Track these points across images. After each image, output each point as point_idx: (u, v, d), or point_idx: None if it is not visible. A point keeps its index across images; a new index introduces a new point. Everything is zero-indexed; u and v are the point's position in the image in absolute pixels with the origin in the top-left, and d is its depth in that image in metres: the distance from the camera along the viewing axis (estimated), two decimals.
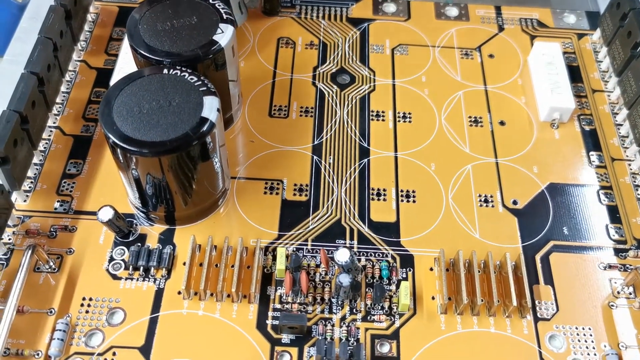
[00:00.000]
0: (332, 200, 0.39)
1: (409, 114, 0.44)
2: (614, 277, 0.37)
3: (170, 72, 0.35)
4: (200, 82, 0.35)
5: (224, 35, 0.38)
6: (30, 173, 0.39)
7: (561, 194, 0.40)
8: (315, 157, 0.41)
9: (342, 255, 0.34)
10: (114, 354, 0.33)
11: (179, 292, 0.35)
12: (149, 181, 0.35)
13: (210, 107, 0.34)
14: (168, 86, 0.35)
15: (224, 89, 0.40)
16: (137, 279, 0.36)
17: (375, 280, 0.36)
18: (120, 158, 0.34)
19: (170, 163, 0.34)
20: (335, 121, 0.43)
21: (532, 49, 0.47)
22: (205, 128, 0.33)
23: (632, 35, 0.44)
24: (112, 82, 0.42)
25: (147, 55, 0.36)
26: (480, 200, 0.40)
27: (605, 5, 0.49)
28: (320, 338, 0.34)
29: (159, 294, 0.35)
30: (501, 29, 0.50)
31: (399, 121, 0.44)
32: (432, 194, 0.40)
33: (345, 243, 0.37)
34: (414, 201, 0.40)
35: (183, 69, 0.35)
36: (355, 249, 0.37)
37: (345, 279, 0.34)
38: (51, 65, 0.41)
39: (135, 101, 0.34)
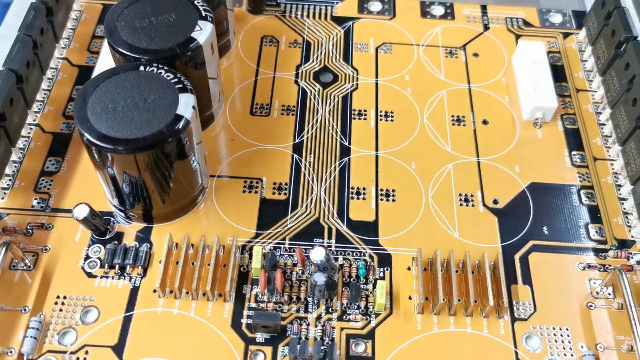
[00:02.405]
0: (312, 199, 0.39)
1: (391, 112, 0.44)
2: (593, 277, 0.37)
3: (146, 69, 0.35)
4: (176, 80, 0.35)
5: (203, 33, 0.37)
6: (8, 170, 0.39)
7: (542, 194, 0.40)
8: (295, 155, 0.41)
9: (317, 254, 0.34)
10: (86, 352, 0.33)
11: (154, 291, 0.35)
12: (125, 179, 0.35)
13: (186, 104, 0.34)
14: (144, 83, 0.35)
15: (203, 87, 0.40)
16: (113, 277, 0.35)
17: (352, 280, 0.36)
18: (95, 156, 0.34)
19: (145, 161, 0.33)
20: (317, 120, 0.43)
21: (516, 48, 0.47)
22: (180, 125, 0.33)
23: (616, 34, 0.43)
24: None
25: (124, 52, 0.36)
26: (461, 200, 0.40)
27: (591, 4, 0.49)
28: (294, 337, 0.34)
29: (134, 292, 0.35)
30: (486, 28, 0.50)
31: (380, 120, 0.43)
32: (412, 193, 0.40)
33: (323, 242, 0.37)
34: (393, 200, 0.39)
35: (160, 66, 0.35)
36: (333, 248, 0.37)
37: (320, 278, 0.33)
38: (30, 63, 0.40)
39: (110, 98, 0.34)
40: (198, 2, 0.39)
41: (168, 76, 0.35)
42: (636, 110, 0.39)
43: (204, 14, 0.38)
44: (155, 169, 0.34)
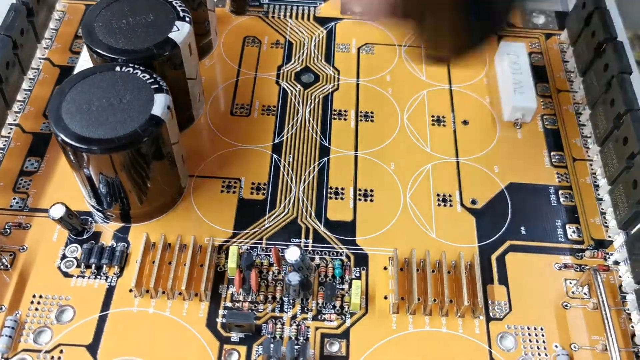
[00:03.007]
0: (290, 199, 0.39)
1: (372, 113, 0.44)
2: (570, 277, 0.37)
3: (122, 70, 0.35)
4: (152, 80, 0.35)
5: (180, 33, 0.37)
6: None
7: (521, 194, 0.40)
8: (274, 155, 0.41)
9: (292, 254, 0.34)
10: (61, 351, 0.33)
11: (130, 290, 0.35)
12: (102, 179, 0.35)
13: (161, 104, 0.34)
14: (120, 84, 0.35)
15: (182, 87, 0.40)
16: (89, 277, 0.36)
17: (328, 279, 0.36)
18: (70, 156, 0.34)
19: (121, 161, 0.33)
20: (297, 120, 0.43)
21: (498, 48, 0.47)
22: (154, 126, 0.33)
23: (596, 35, 0.43)
24: None
25: (102, 52, 0.36)
26: (439, 200, 0.40)
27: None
28: (268, 337, 0.34)
29: (110, 291, 0.35)
30: None
31: (361, 120, 0.43)
32: (391, 193, 0.40)
33: (300, 242, 0.37)
34: (371, 200, 0.39)
35: (136, 66, 0.35)
36: (310, 248, 0.37)
37: (294, 278, 0.34)
38: (10, 63, 0.41)
39: (85, 98, 0.34)
40: (176, 3, 0.39)
41: (144, 77, 0.35)
42: (614, 111, 0.40)
43: (181, 14, 0.38)
44: (131, 169, 0.34)
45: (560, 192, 0.40)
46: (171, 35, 0.37)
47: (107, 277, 0.36)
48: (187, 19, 0.38)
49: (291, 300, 0.35)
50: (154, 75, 0.35)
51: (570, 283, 0.36)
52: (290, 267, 0.35)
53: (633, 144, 0.37)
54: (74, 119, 0.33)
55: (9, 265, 0.36)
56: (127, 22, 0.38)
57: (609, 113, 0.40)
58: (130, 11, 0.38)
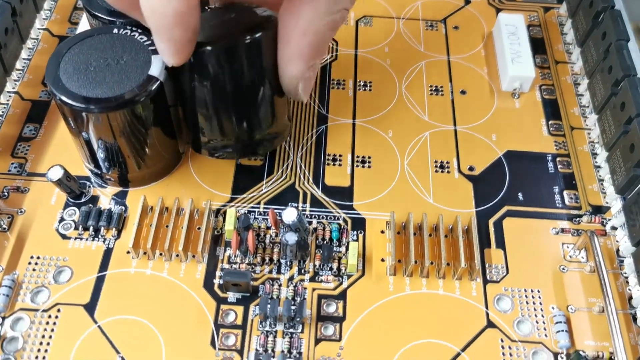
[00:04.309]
0: (287, 165, 0.39)
1: (370, 82, 0.44)
2: (567, 241, 0.37)
3: (120, 32, 0.35)
4: (150, 42, 0.35)
5: None
6: None
7: (518, 161, 0.40)
8: None
9: (289, 215, 0.34)
10: (58, 310, 0.33)
11: (128, 252, 0.35)
12: (100, 142, 0.35)
13: (159, 65, 0.34)
14: (117, 45, 0.35)
15: None
16: (87, 239, 0.36)
17: (325, 242, 0.36)
18: (68, 117, 0.34)
19: (118, 122, 0.33)
20: None
21: (496, 20, 0.47)
22: (152, 86, 0.33)
23: (594, 5, 0.43)
24: None
25: (99, 15, 0.36)
26: (436, 167, 0.40)
27: None
28: (265, 296, 0.34)
29: (107, 253, 0.35)
30: (467, 1, 0.50)
31: (359, 90, 0.43)
32: (388, 159, 0.40)
33: (297, 206, 0.37)
34: (369, 166, 0.40)
35: (134, 29, 0.35)
36: (307, 212, 0.37)
37: (291, 237, 0.34)
38: (9, 30, 0.41)
39: (83, 59, 0.34)
40: None
41: (142, 39, 0.35)
42: (612, 77, 0.40)
43: None
44: (128, 131, 0.34)
45: (558, 159, 0.40)
46: None
47: (104, 239, 0.36)
48: None
49: (288, 262, 0.35)
50: (152, 38, 0.35)
51: (568, 247, 0.36)
52: (287, 228, 0.35)
53: (630, 109, 0.37)
54: (71, 79, 0.33)
55: (6, 228, 0.36)
56: None
57: (607, 80, 0.40)
58: None
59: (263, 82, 0.34)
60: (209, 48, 0.32)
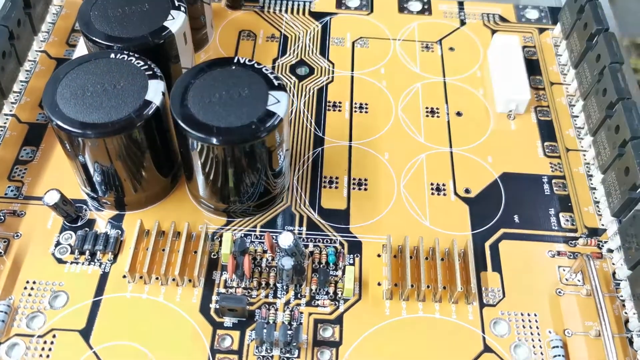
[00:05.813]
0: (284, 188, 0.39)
1: (366, 104, 0.44)
2: (563, 264, 0.37)
3: (117, 57, 0.35)
4: (146, 67, 0.35)
5: (175, 22, 0.38)
6: None
7: (514, 183, 0.40)
8: None
9: (285, 240, 0.34)
10: (54, 336, 0.33)
11: (124, 276, 0.35)
12: (96, 166, 0.35)
13: (155, 90, 0.34)
14: (114, 70, 0.35)
15: (177, 77, 0.40)
16: (83, 263, 0.36)
17: (321, 266, 0.36)
18: (65, 141, 0.34)
19: (115, 146, 0.34)
20: (292, 111, 0.43)
21: (492, 41, 0.47)
22: (148, 111, 0.33)
23: (588, 27, 0.44)
24: None
25: (96, 40, 0.37)
26: (432, 189, 0.40)
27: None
28: (261, 321, 0.34)
29: (103, 277, 0.35)
30: (463, 23, 0.50)
31: (355, 112, 0.44)
32: (384, 182, 0.40)
33: (294, 229, 0.37)
34: (365, 189, 0.40)
35: (130, 54, 0.36)
36: (303, 236, 0.37)
37: (287, 262, 0.34)
38: (6, 53, 0.41)
39: (79, 84, 0.34)
40: None
41: (138, 63, 0.35)
42: (606, 100, 0.40)
43: (177, 4, 0.39)
44: (125, 156, 0.34)
45: (553, 181, 0.40)
46: (166, 23, 0.38)
47: (100, 264, 0.36)
48: (183, 8, 0.39)
49: (284, 286, 0.35)
50: (149, 62, 0.35)
51: (564, 270, 0.37)
52: (283, 252, 0.35)
53: (625, 132, 0.37)
54: (68, 104, 0.33)
55: (2, 252, 0.36)
56: (123, 11, 0.38)
57: (602, 103, 0.40)
58: (126, 0, 0.39)
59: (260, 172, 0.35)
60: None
